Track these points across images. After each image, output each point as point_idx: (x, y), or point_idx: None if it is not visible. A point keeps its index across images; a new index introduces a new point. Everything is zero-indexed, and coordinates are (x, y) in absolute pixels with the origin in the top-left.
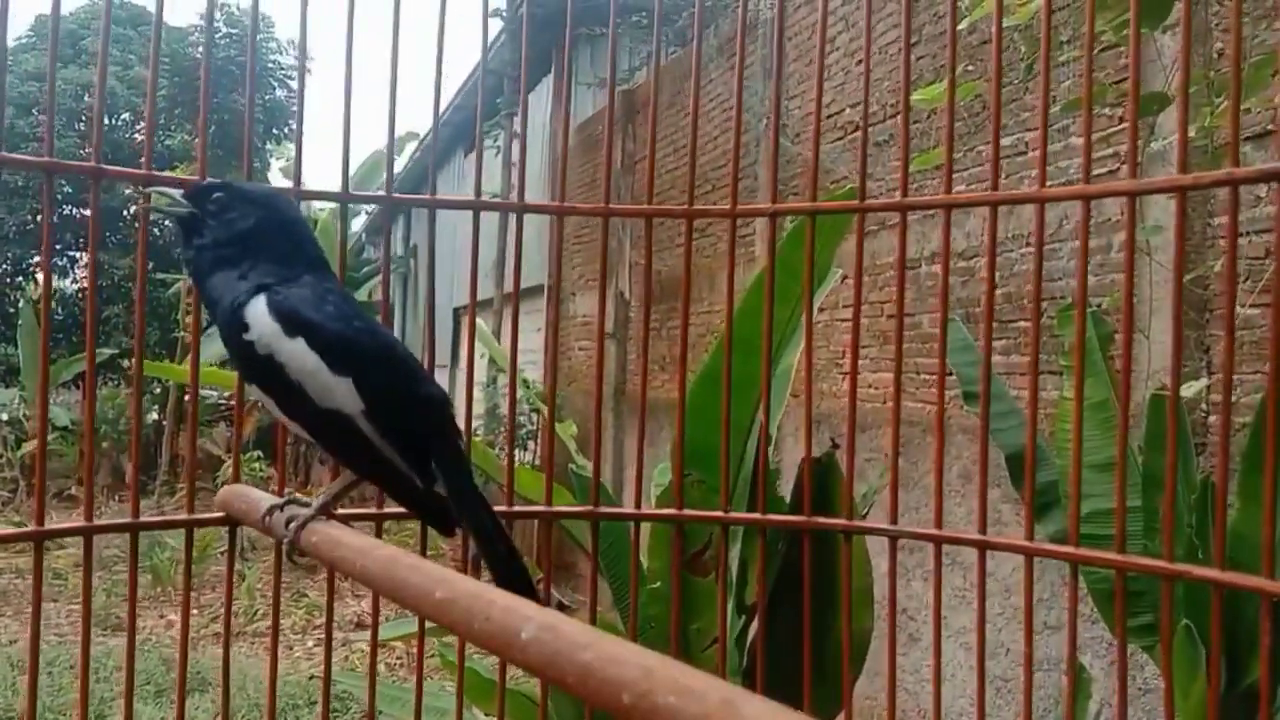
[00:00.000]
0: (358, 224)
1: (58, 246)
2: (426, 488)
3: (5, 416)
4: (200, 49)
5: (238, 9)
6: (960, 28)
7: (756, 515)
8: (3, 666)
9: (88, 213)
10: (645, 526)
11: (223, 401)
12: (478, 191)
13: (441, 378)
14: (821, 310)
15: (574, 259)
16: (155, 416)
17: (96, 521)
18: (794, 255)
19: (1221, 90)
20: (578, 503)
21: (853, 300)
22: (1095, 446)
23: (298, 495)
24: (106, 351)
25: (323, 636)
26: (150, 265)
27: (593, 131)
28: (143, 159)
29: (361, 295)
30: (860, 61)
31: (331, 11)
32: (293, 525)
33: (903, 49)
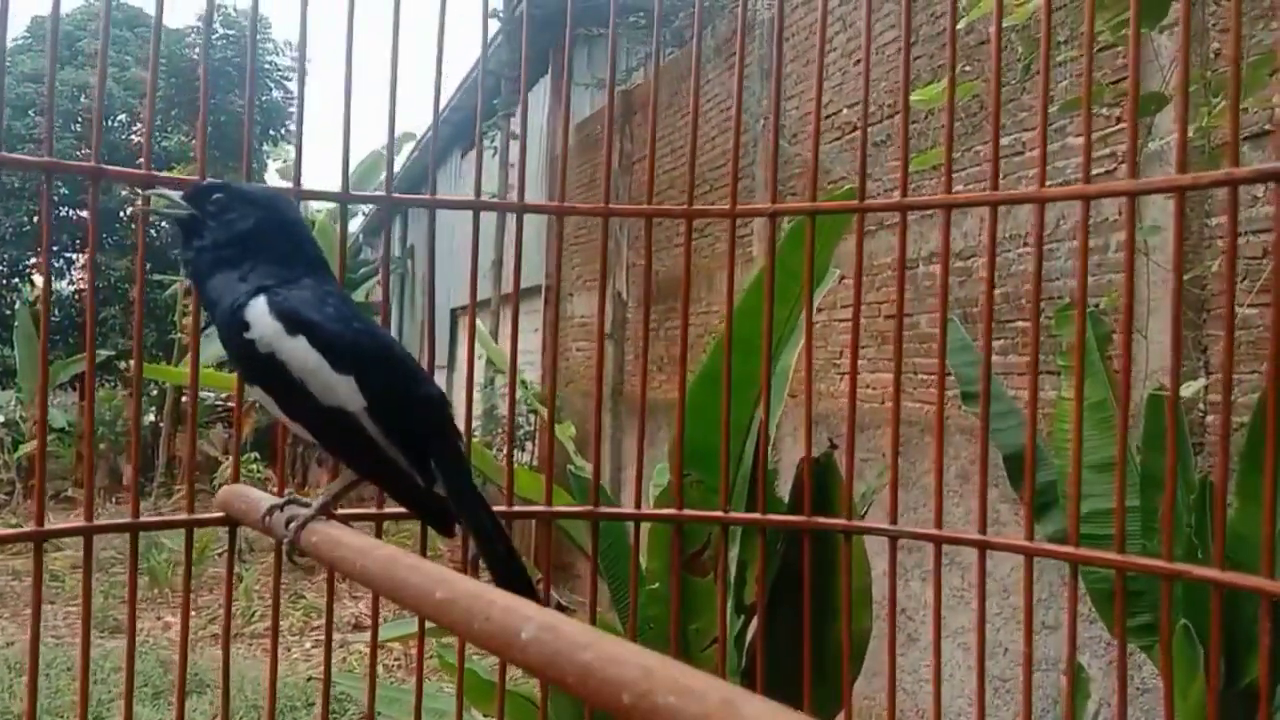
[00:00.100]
0: (354, 225)
1: (54, 248)
2: (427, 487)
3: (2, 418)
4: (197, 50)
5: (234, 10)
6: (958, 28)
7: (757, 515)
8: (0, 669)
9: (84, 214)
10: (644, 527)
11: (219, 403)
12: (477, 191)
13: (440, 379)
14: (819, 311)
15: (571, 259)
16: (152, 418)
17: (95, 522)
18: (792, 255)
19: (1218, 90)
20: (576, 503)
21: (849, 300)
22: (1093, 446)
23: (298, 495)
24: (103, 353)
25: (320, 638)
26: (147, 266)
27: (590, 132)
28: (141, 160)
29: (359, 296)
30: (857, 62)
31: (329, 12)
32: (293, 525)
33: (902, 49)
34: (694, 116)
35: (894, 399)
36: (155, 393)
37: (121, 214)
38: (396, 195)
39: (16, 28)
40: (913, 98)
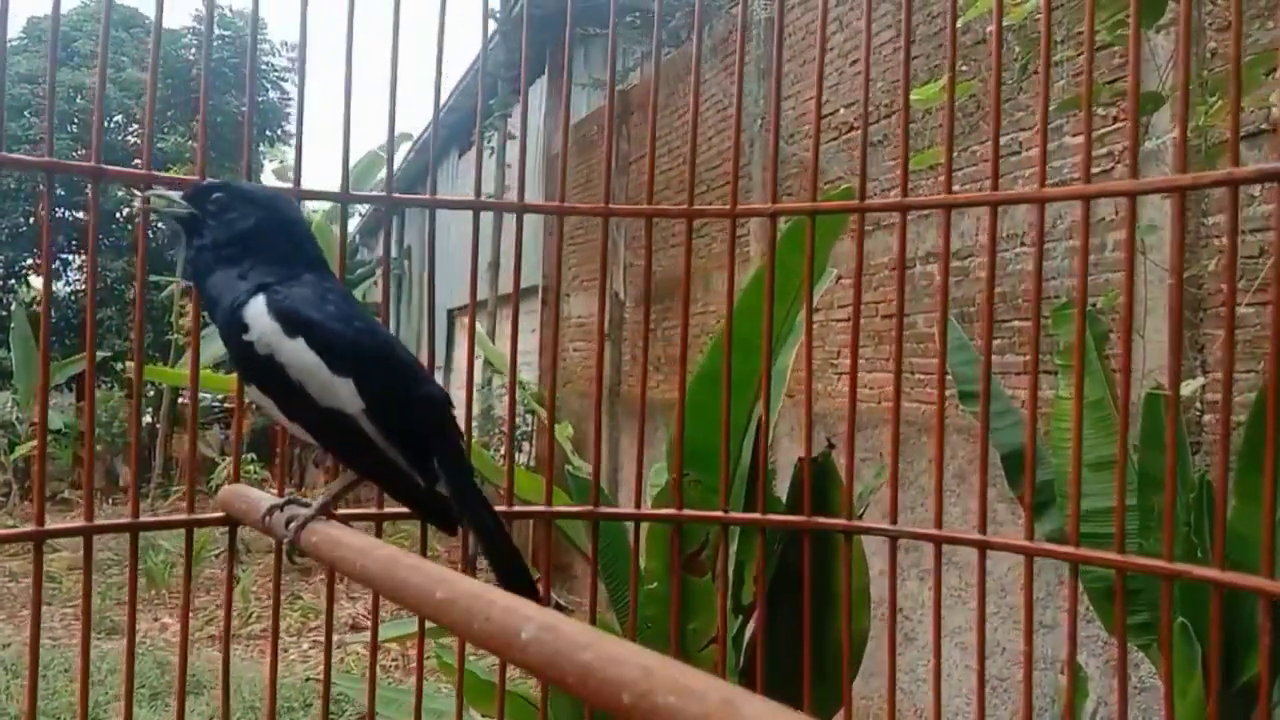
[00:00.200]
0: (351, 225)
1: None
2: (428, 487)
3: None
4: (192, 51)
5: (230, 11)
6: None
7: (756, 515)
8: None
9: (81, 215)
10: (643, 527)
11: (216, 404)
12: (477, 191)
13: (437, 380)
14: (816, 311)
15: (568, 260)
16: (149, 419)
17: (96, 522)
18: (790, 255)
19: (1215, 89)
20: (575, 504)
21: (846, 300)
22: (1090, 446)
23: (297, 495)
24: (100, 354)
25: (317, 639)
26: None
27: (587, 132)
28: (139, 160)
29: (356, 297)
30: (854, 62)
31: (328, 12)
32: (293, 525)
33: (901, 49)
34: (695, 116)
35: (895, 399)
36: (152, 394)
37: (118, 215)
38: (397, 195)
39: (13, 28)
40: (911, 97)
